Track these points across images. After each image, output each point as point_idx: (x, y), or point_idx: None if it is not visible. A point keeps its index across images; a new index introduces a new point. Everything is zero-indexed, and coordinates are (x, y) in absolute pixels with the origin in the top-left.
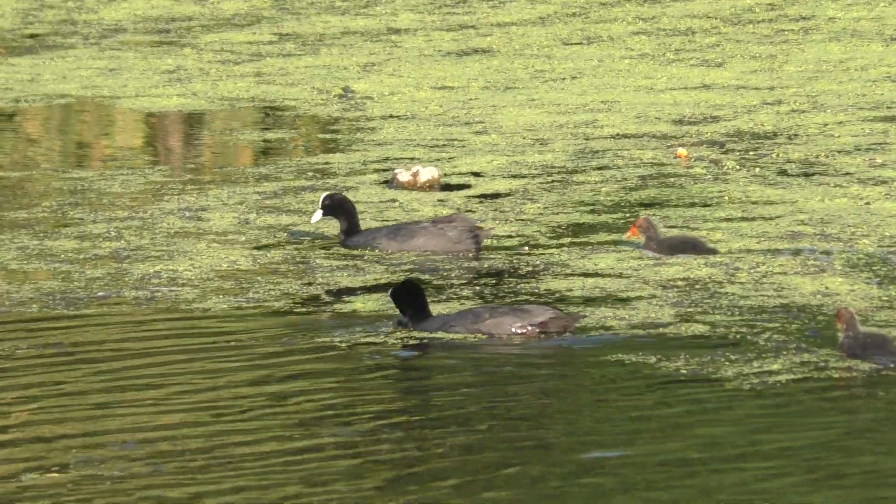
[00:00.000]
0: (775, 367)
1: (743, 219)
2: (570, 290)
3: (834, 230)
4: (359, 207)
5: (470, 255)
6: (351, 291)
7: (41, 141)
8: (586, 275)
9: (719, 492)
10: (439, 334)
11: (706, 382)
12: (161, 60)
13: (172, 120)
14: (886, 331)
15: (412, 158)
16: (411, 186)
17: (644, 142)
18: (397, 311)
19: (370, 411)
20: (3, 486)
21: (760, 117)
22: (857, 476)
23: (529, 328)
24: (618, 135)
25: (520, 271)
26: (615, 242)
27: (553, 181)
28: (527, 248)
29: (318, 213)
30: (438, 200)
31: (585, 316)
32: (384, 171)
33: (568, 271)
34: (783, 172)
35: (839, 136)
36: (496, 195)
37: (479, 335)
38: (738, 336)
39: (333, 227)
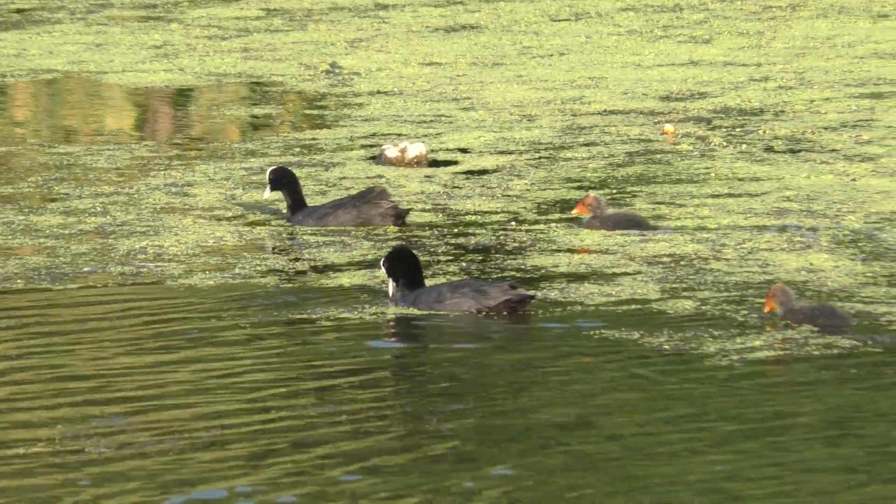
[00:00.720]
0: (758, 342)
1: (729, 195)
2: (556, 267)
3: (820, 206)
4: (345, 184)
5: (389, 228)
6: (337, 267)
7: (27, 116)
8: (572, 251)
9: (700, 467)
10: (424, 309)
11: (688, 358)
12: (148, 36)
13: (159, 95)
14: (872, 307)
15: (399, 134)
16: (399, 162)
17: (631, 118)
18: (386, 283)
19: (355, 385)
20: None
21: (747, 94)
22: (845, 447)
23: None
24: (605, 111)
25: (506, 247)
26: (562, 219)
27: (540, 157)
28: (514, 223)
29: (268, 189)
30: (426, 176)
31: (537, 297)
32: (371, 146)
33: (554, 247)
34: (770, 149)
35: (826, 113)
36: (483, 171)
37: (460, 311)
38: (721, 312)
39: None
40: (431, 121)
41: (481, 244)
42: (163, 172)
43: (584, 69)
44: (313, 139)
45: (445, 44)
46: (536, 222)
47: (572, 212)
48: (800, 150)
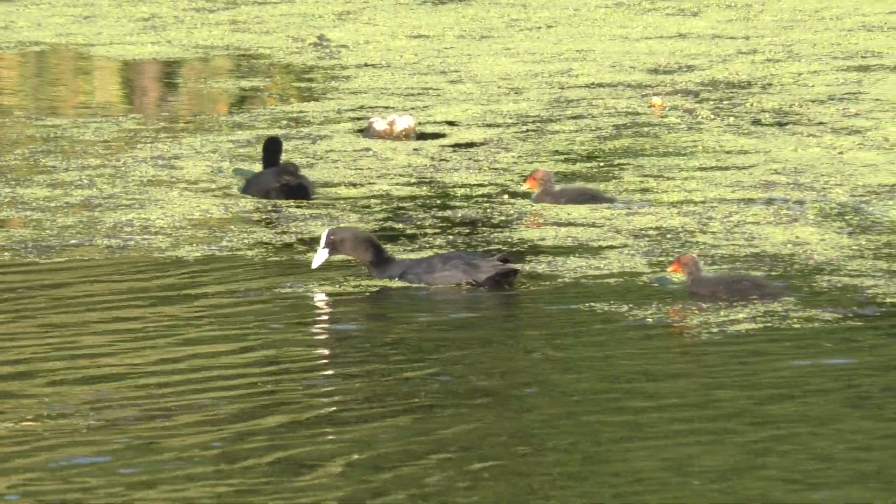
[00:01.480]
0: (741, 315)
1: (716, 168)
2: (543, 240)
3: (807, 180)
4: (332, 157)
5: (280, 198)
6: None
7: (14, 88)
8: (559, 224)
9: (676, 438)
10: (413, 282)
11: (674, 330)
12: (136, 8)
13: (147, 68)
14: (858, 280)
15: (387, 107)
16: (387, 135)
17: (619, 91)
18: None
19: (341, 357)
20: None
21: (735, 66)
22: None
23: (474, 283)
24: (592, 84)
25: (493, 220)
26: (508, 193)
27: (528, 130)
28: (506, 196)
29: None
30: (413, 149)
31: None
32: (359, 119)
33: (541, 220)
34: (757, 122)
35: (813, 86)
36: (471, 144)
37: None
38: None
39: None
40: (419, 94)
41: (468, 217)
42: (150, 145)
43: (571, 42)
44: (301, 112)
45: (433, 16)
46: (525, 195)
47: (524, 187)
48: (787, 123)
